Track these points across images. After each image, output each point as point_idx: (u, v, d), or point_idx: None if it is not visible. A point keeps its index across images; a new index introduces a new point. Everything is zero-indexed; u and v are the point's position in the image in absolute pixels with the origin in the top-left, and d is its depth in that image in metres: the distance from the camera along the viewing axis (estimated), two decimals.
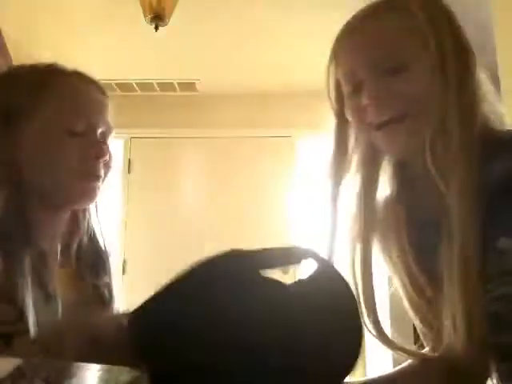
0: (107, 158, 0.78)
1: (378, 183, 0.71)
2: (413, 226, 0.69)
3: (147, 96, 3.91)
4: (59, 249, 0.76)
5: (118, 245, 3.74)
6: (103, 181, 0.79)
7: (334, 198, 0.70)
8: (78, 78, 0.79)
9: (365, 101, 0.64)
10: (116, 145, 3.83)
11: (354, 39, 0.67)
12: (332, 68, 0.69)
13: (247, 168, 3.86)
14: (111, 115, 0.80)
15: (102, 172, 0.78)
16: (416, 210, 0.69)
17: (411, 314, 0.72)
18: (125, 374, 0.33)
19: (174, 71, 3.61)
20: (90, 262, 0.79)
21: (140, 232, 3.79)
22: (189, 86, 3.79)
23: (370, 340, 0.60)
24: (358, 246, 0.69)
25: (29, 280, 0.64)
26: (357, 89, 0.66)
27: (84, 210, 0.81)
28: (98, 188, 0.77)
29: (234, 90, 3.85)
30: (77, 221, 0.80)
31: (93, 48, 3.24)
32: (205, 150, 3.94)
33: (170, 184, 3.85)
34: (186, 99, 3.94)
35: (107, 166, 0.79)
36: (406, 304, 0.72)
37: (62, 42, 3.13)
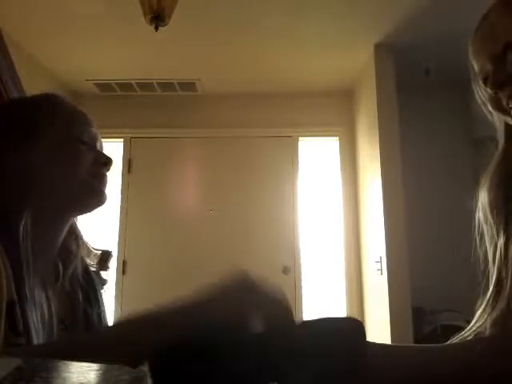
0: (111, 167, 0.81)
1: None
2: None
3: (147, 96, 3.91)
4: (60, 267, 0.77)
5: (117, 245, 3.75)
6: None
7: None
8: (68, 101, 0.83)
9: (490, 90, 0.65)
10: (116, 145, 3.81)
11: (476, 36, 0.69)
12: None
13: (248, 168, 3.86)
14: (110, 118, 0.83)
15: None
16: None
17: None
18: (125, 373, 0.33)
19: (174, 71, 3.61)
20: (84, 289, 0.80)
21: (140, 232, 3.79)
22: (189, 85, 3.79)
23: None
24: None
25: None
26: (485, 80, 0.67)
27: (77, 237, 0.83)
28: (105, 193, 0.80)
29: (234, 90, 3.85)
30: (70, 244, 0.81)
31: (93, 48, 3.24)
32: (205, 149, 3.94)
33: (170, 184, 3.85)
34: (186, 99, 3.94)
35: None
36: None
37: (62, 42, 3.14)
